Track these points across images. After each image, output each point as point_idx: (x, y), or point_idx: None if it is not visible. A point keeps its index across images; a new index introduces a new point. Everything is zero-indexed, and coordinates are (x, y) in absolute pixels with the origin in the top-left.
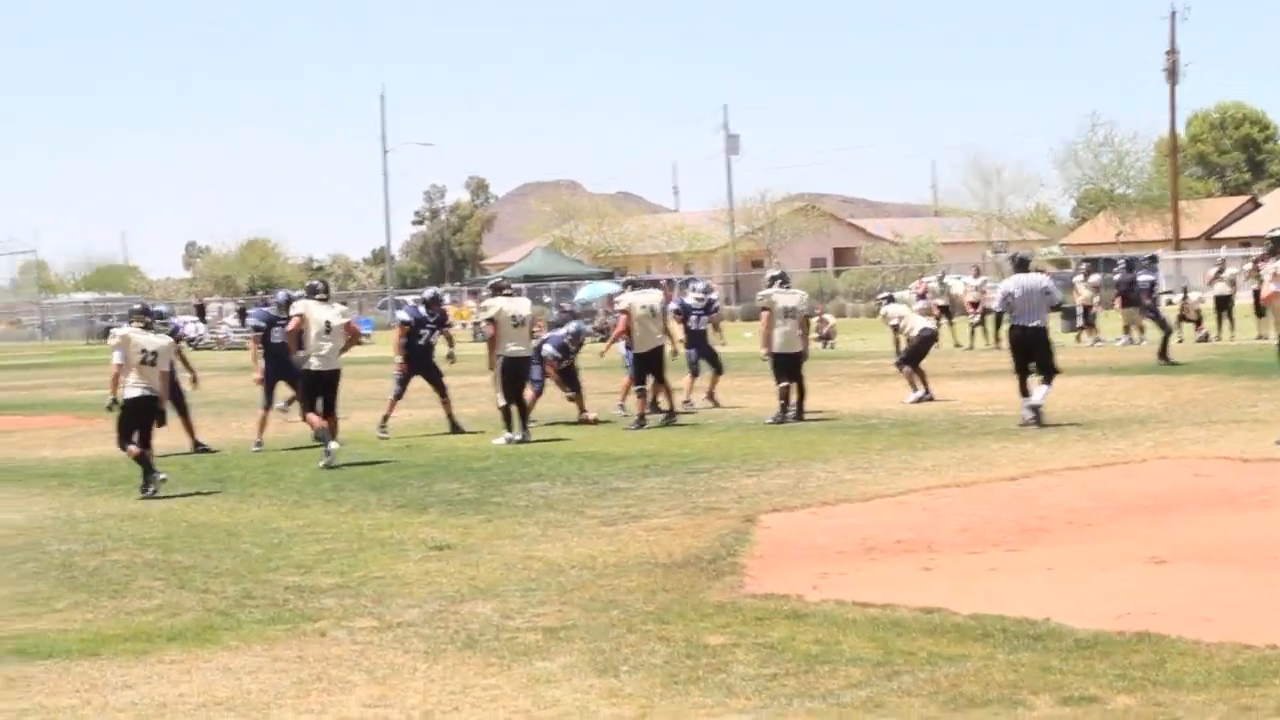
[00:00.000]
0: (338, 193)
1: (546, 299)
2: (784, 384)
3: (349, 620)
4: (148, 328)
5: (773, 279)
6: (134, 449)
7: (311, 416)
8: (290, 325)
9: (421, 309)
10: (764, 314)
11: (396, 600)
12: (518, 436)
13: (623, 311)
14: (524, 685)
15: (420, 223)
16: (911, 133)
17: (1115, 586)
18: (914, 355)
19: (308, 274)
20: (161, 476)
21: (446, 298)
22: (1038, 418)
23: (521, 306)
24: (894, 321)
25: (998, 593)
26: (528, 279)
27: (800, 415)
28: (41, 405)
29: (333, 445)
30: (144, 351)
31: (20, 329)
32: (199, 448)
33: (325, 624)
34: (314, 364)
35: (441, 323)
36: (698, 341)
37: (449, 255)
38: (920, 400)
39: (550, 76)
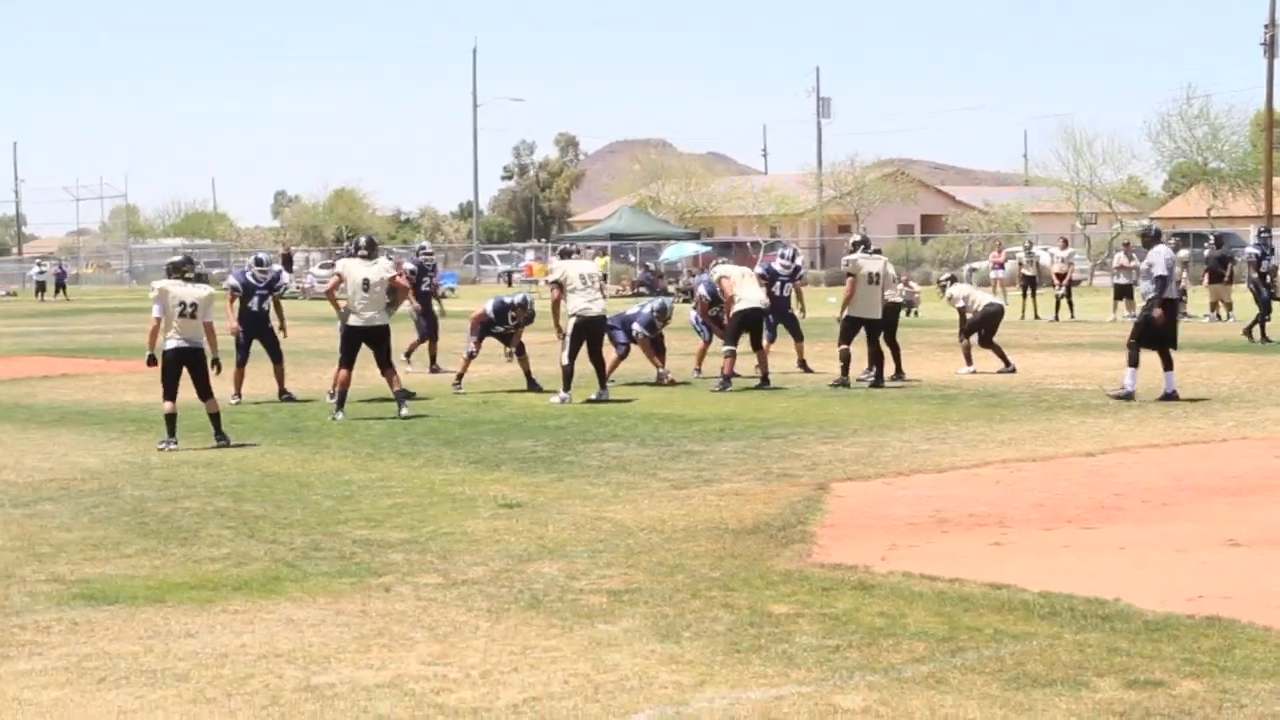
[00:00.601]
0: (427, 146)
1: (632, 258)
2: (844, 347)
3: (414, 576)
4: (188, 280)
5: (855, 244)
6: (169, 404)
7: (341, 372)
8: (329, 284)
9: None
10: (849, 279)
11: (463, 557)
12: (569, 400)
13: (723, 277)
14: (584, 648)
15: (509, 178)
16: (1005, 100)
17: (1188, 569)
18: (981, 329)
19: (395, 226)
20: (172, 445)
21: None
22: (1132, 395)
23: (589, 267)
24: (960, 303)
25: (1068, 571)
26: (614, 237)
27: (880, 381)
28: (125, 350)
29: (404, 408)
30: (182, 304)
31: (109, 272)
32: (284, 395)
33: (390, 579)
34: (353, 320)
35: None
36: (780, 307)
37: (536, 211)
38: (1003, 371)
39: (644, 34)
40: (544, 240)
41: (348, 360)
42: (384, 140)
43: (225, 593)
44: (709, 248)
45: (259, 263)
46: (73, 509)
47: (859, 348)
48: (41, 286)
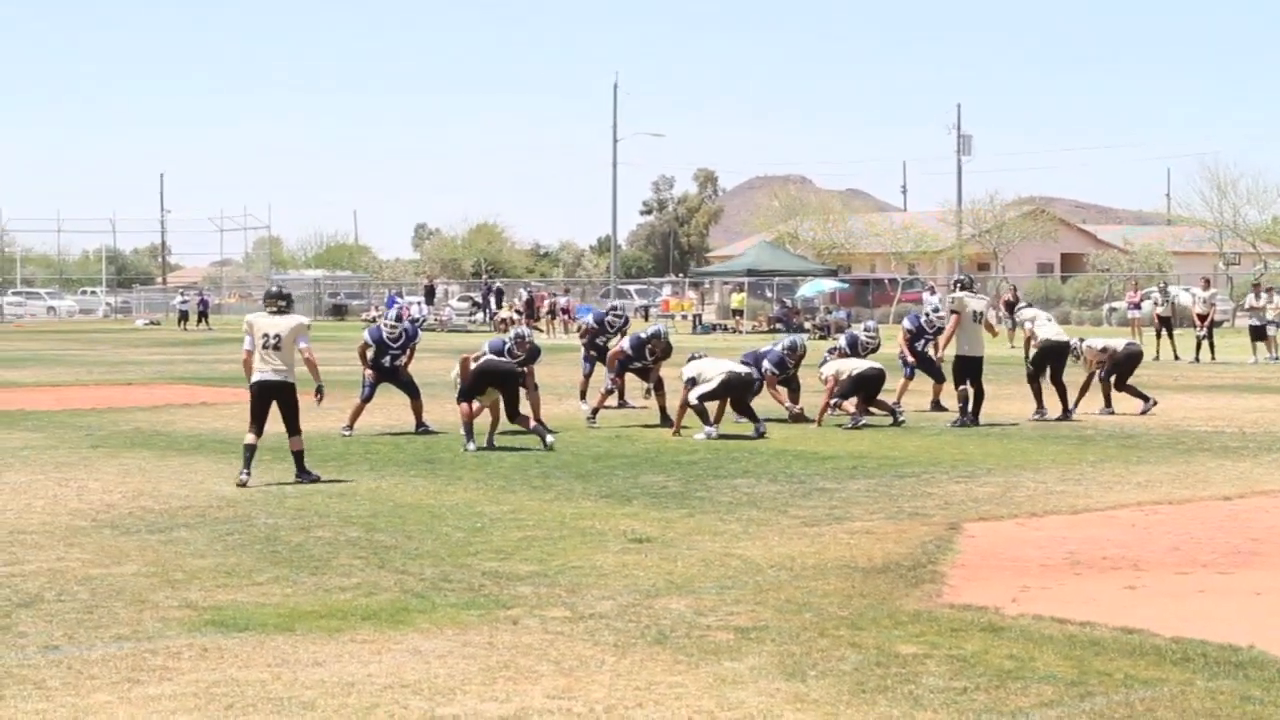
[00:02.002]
0: (567, 180)
1: (768, 294)
2: (963, 387)
3: (542, 609)
4: (276, 311)
5: (959, 283)
6: (251, 436)
7: (463, 406)
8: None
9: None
10: (953, 316)
11: (591, 591)
12: (715, 432)
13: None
14: (710, 685)
15: (648, 213)
16: (1148, 138)
17: None
18: (1119, 371)
19: (534, 259)
20: (244, 476)
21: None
22: None
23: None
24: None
25: (1202, 616)
26: (750, 274)
27: (976, 419)
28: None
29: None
30: (265, 335)
31: (251, 303)
32: (421, 428)
33: (518, 611)
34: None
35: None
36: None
37: (675, 246)
38: (1145, 410)
39: (784, 71)
40: (681, 275)
41: (466, 395)
42: (524, 174)
43: (354, 622)
44: (846, 285)
45: (397, 318)
46: (207, 536)
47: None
48: (184, 315)
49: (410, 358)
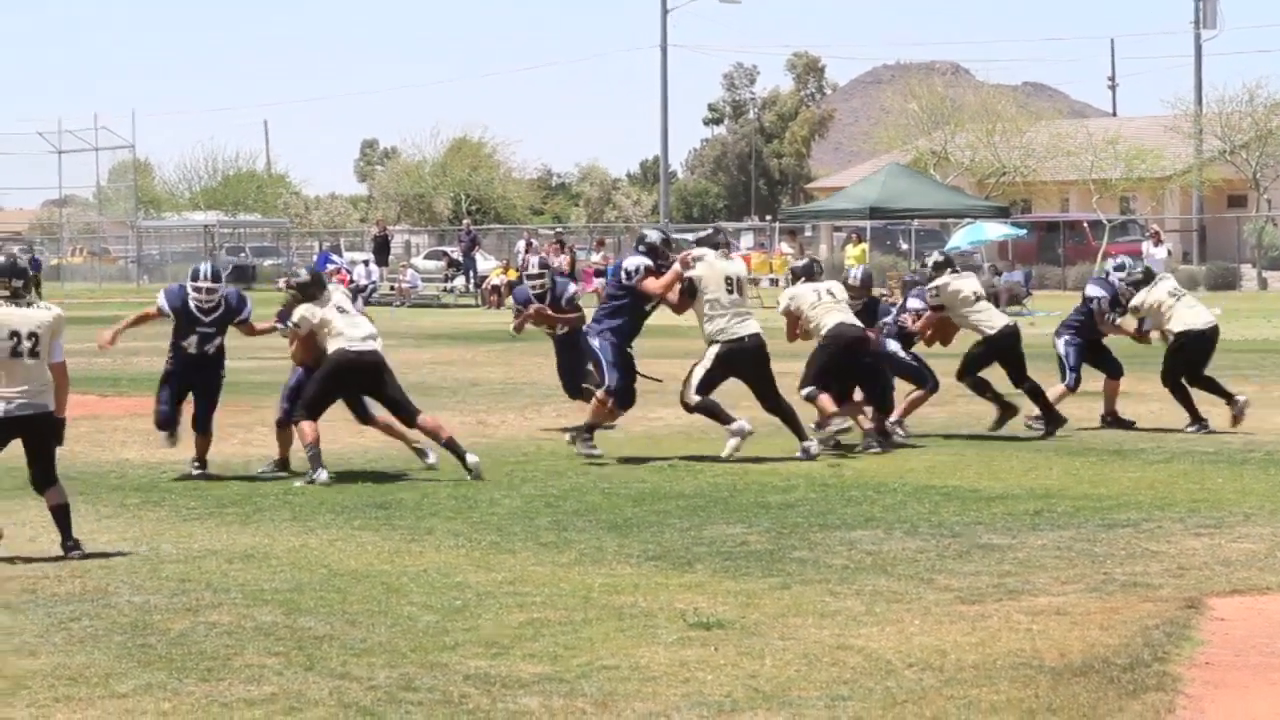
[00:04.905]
0: (592, 79)
1: (903, 245)
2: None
3: None
4: (13, 298)
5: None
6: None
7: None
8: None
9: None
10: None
11: (633, 705)
12: (748, 428)
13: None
14: None
15: (717, 121)
16: None
17: None
18: None
19: (543, 195)
20: None
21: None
22: None
23: (738, 268)
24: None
25: None
26: (875, 214)
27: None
28: (127, 381)
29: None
30: (14, 336)
31: (107, 263)
32: (199, 467)
33: None
34: None
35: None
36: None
37: (758, 173)
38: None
39: None
40: (769, 217)
41: (311, 406)
42: (523, 62)
43: None
44: (1023, 231)
45: (200, 276)
46: (41, 623)
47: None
48: None
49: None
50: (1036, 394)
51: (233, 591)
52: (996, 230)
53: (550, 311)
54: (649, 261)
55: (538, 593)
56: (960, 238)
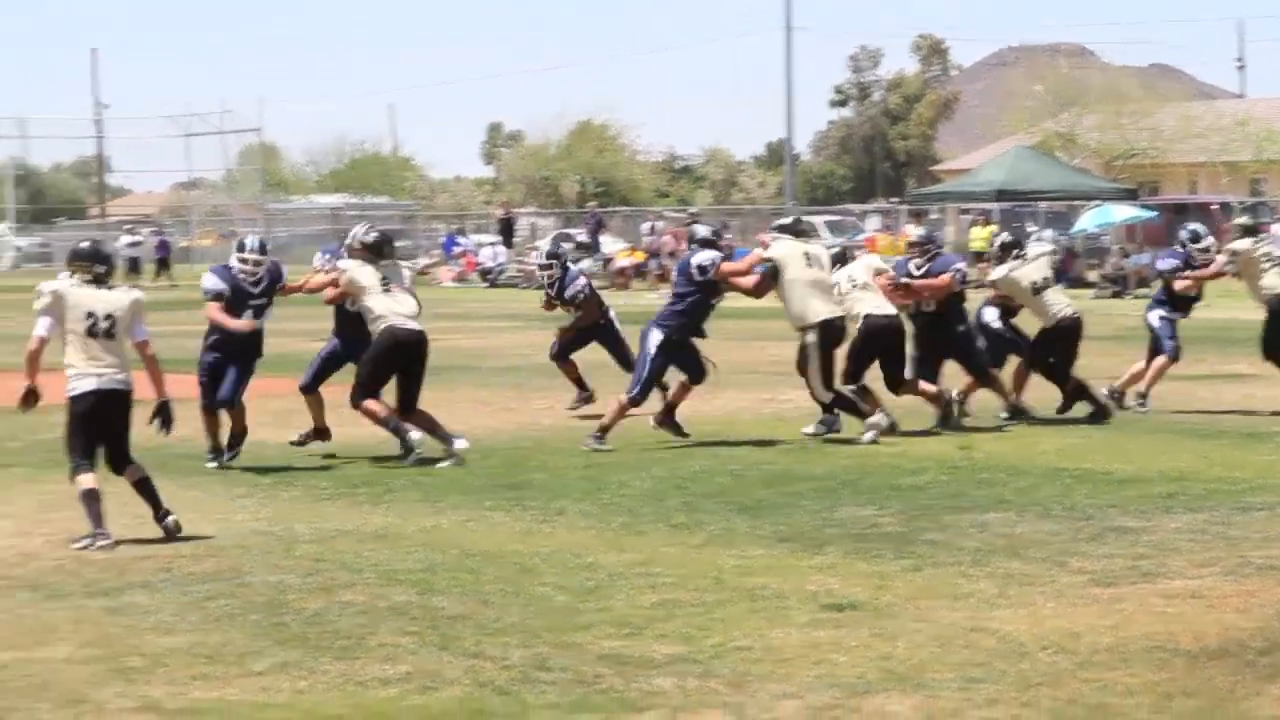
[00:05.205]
0: (717, 62)
1: (1030, 227)
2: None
3: (690, 713)
4: (95, 282)
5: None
6: (87, 479)
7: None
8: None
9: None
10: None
11: (766, 685)
12: (822, 430)
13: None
14: None
15: (842, 103)
16: None
17: None
18: None
19: (668, 177)
20: (101, 540)
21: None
22: None
23: (821, 252)
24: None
25: None
26: (1002, 195)
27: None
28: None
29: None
30: (90, 316)
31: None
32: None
33: (653, 716)
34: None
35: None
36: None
37: (884, 155)
38: None
39: None
40: (895, 199)
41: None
42: (649, 54)
43: None
44: (1153, 213)
45: (247, 248)
46: (177, 601)
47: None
48: (135, 265)
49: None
50: (1072, 393)
51: (366, 571)
52: (1124, 212)
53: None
54: (720, 254)
55: (669, 574)
56: (1088, 220)
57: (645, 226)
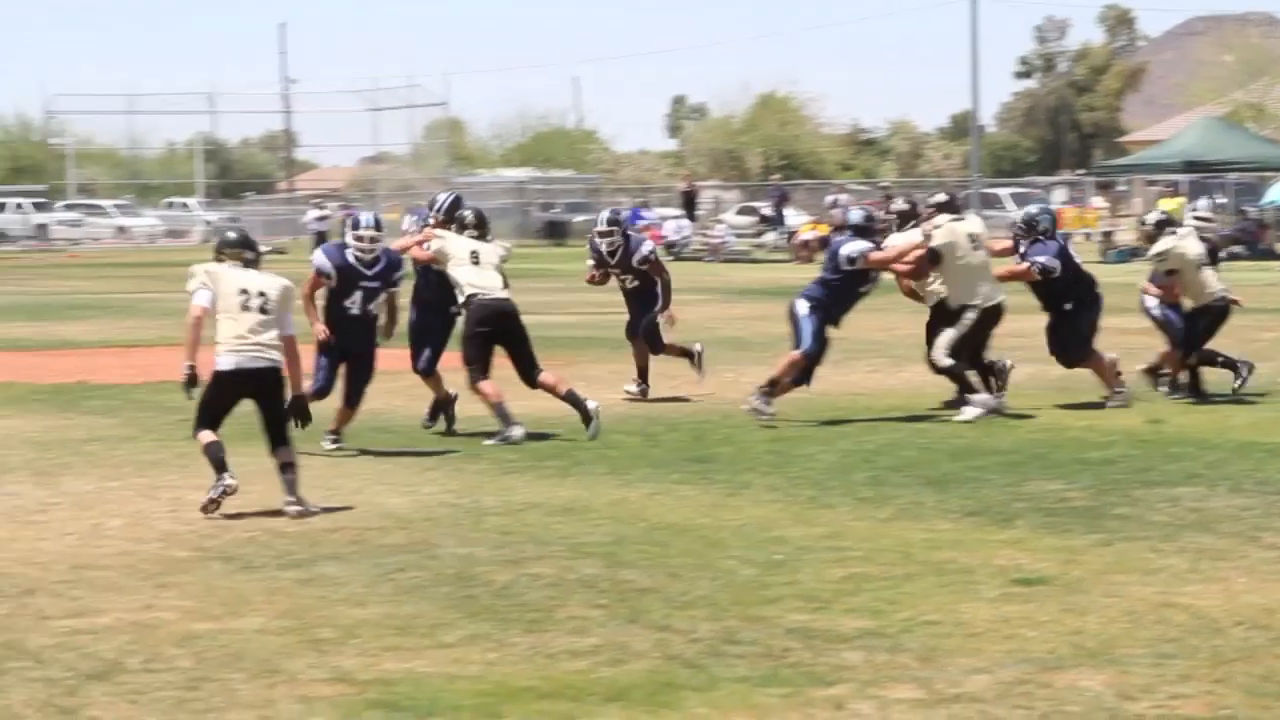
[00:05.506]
0: (902, 34)
1: (1220, 200)
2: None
3: (880, 687)
4: (248, 268)
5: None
6: (208, 434)
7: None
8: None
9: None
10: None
11: (956, 660)
12: (992, 402)
13: None
14: None
15: (1027, 75)
16: None
17: None
18: None
19: (852, 150)
20: (227, 483)
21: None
22: None
23: (978, 226)
24: None
25: None
26: (1190, 167)
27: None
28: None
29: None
30: (244, 292)
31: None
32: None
33: (843, 690)
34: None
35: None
36: None
37: (1070, 126)
38: None
39: None
40: (1082, 171)
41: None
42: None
43: (593, 704)
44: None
45: (363, 225)
46: (369, 573)
47: None
48: (322, 239)
49: (391, 312)
50: (1199, 362)
51: (554, 544)
52: None
53: (606, 272)
54: (870, 245)
55: (857, 548)
56: (1276, 192)
57: (829, 199)
